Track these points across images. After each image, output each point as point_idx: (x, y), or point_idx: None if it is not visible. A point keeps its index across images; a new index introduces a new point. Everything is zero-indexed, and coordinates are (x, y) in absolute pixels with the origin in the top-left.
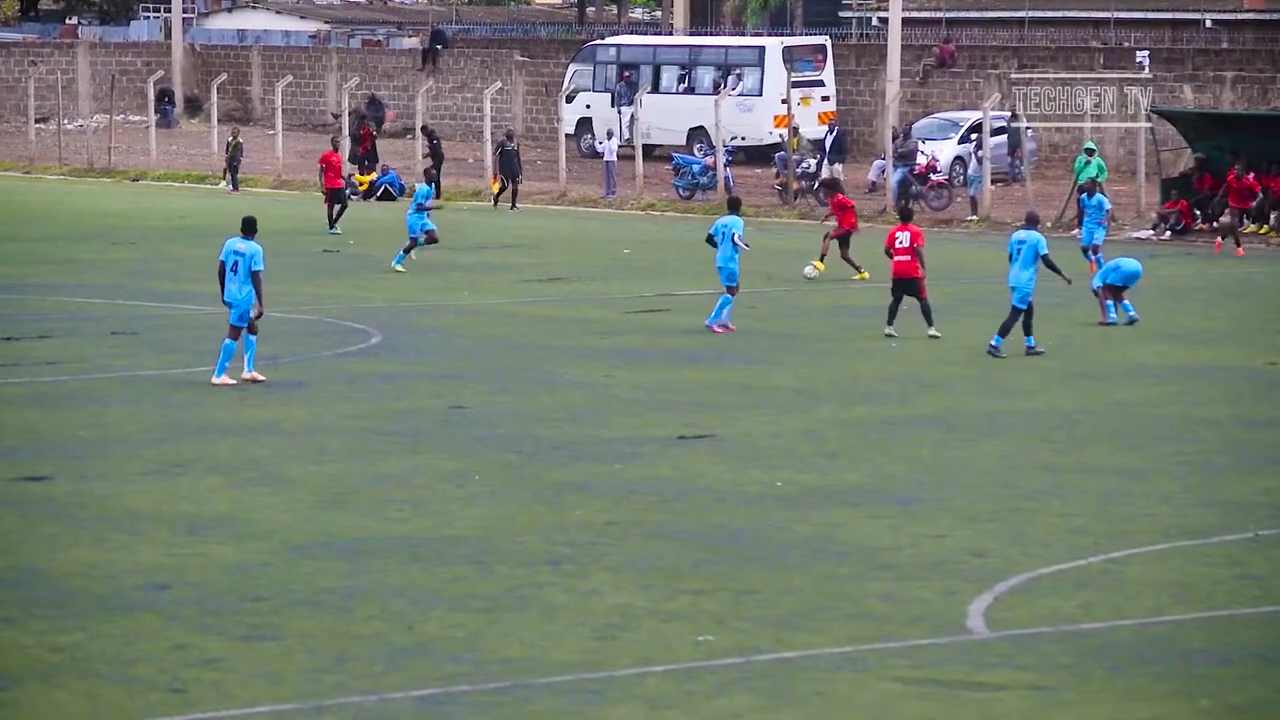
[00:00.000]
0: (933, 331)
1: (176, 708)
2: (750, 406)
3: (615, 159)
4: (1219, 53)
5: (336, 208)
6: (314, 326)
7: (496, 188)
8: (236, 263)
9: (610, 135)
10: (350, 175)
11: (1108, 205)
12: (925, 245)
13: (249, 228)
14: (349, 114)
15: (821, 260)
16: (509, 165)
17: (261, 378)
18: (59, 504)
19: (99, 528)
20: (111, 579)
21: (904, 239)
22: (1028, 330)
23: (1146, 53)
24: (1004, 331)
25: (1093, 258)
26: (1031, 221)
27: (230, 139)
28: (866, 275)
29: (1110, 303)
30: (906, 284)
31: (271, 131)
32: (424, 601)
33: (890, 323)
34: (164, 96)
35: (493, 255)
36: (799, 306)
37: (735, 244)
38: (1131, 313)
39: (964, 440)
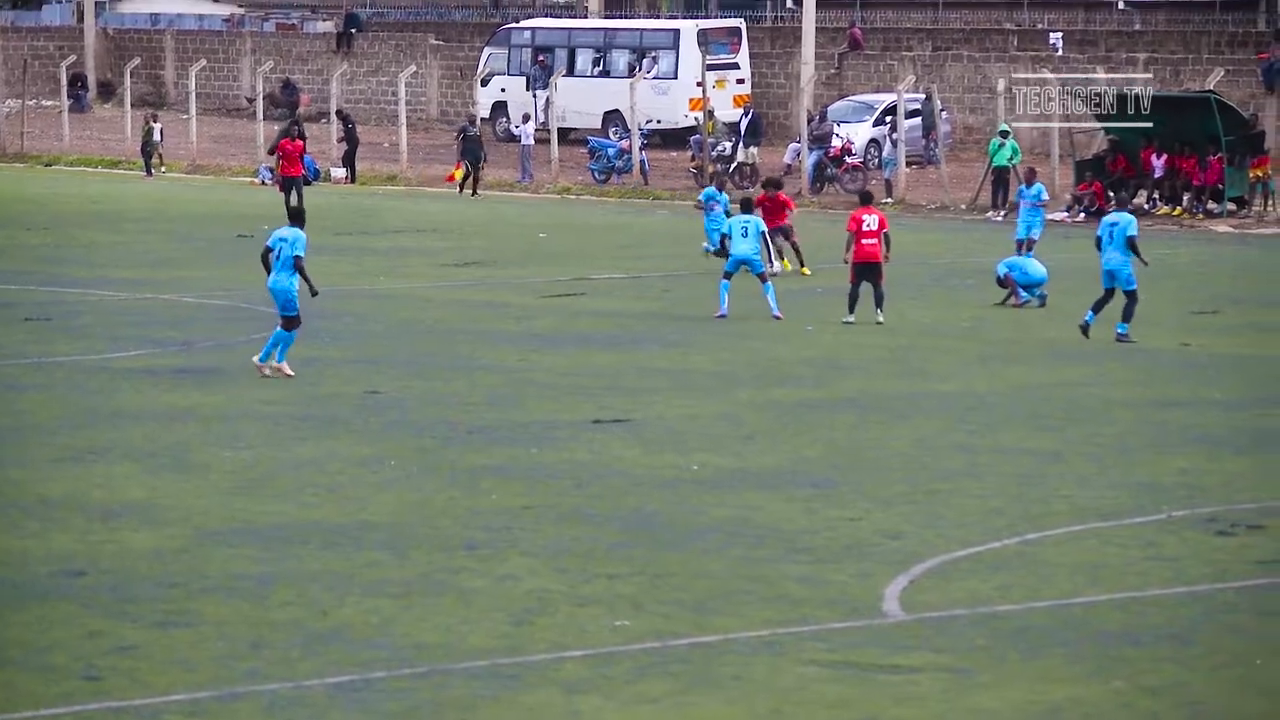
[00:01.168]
0: (880, 318)
1: (91, 695)
2: (667, 390)
3: (532, 143)
4: (1131, 34)
5: (294, 196)
6: (230, 312)
7: (460, 174)
8: (280, 249)
9: (526, 119)
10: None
11: (1045, 196)
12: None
13: (296, 217)
14: (263, 98)
15: (788, 259)
16: (472, 151)
17: (290, 372)
18: None
19: (12, 514)
20: (25, 566)
21: (871, 222)
22: (1127, 317)
23: (1060, 34)
24: (1127, 317)
25: (1026, 254)
26: (1122, 204)
27: (145, 124)
28: (789, 267)
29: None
30: (870, 268)
31: (186, 116)
32: (339, 587)
33: (851, 310)
34: (77, 81)
35: (408, 239)
36: (715, 290)
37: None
38: (1041, 294)
39: (879, 423)
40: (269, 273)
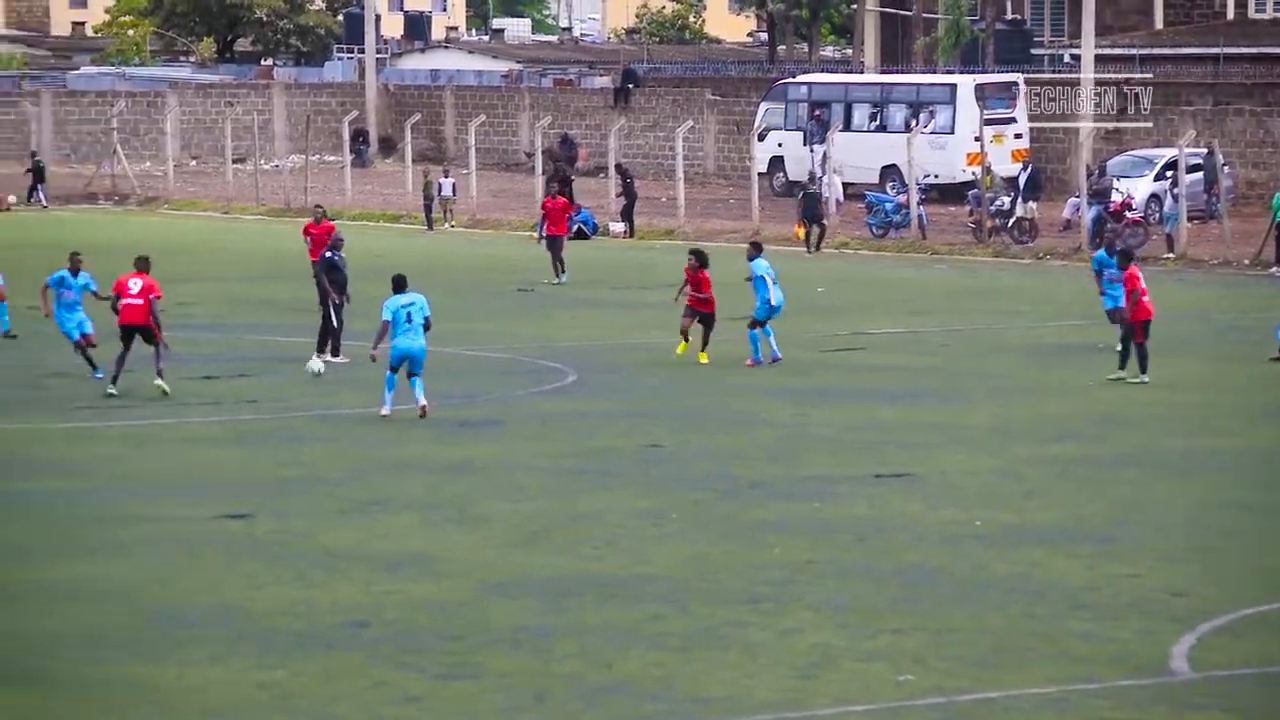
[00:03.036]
0: (1144, 378)
1: None
2: (946, 445)
3: (840, 195)
4: None
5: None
6: (509, 365)
7: (801, 232)
8: (410, 314)
9: (813, 176)
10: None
11: None
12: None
13: (402, 284)
14: (542, 152)
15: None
16: (811, 209)
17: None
18: (260, 542)
19: (298, 565)
20: (311, 616)
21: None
22: None
23: None
24: None
25: None
26: None
27: (425, 178)
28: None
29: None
30: (1142, 325)
31: (466, 171)
32: (621, 640)
33: (1122, 366)
34: (359, 136)
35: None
36: (994, 345)
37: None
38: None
39: (1160, 479)
40: (380, 340)
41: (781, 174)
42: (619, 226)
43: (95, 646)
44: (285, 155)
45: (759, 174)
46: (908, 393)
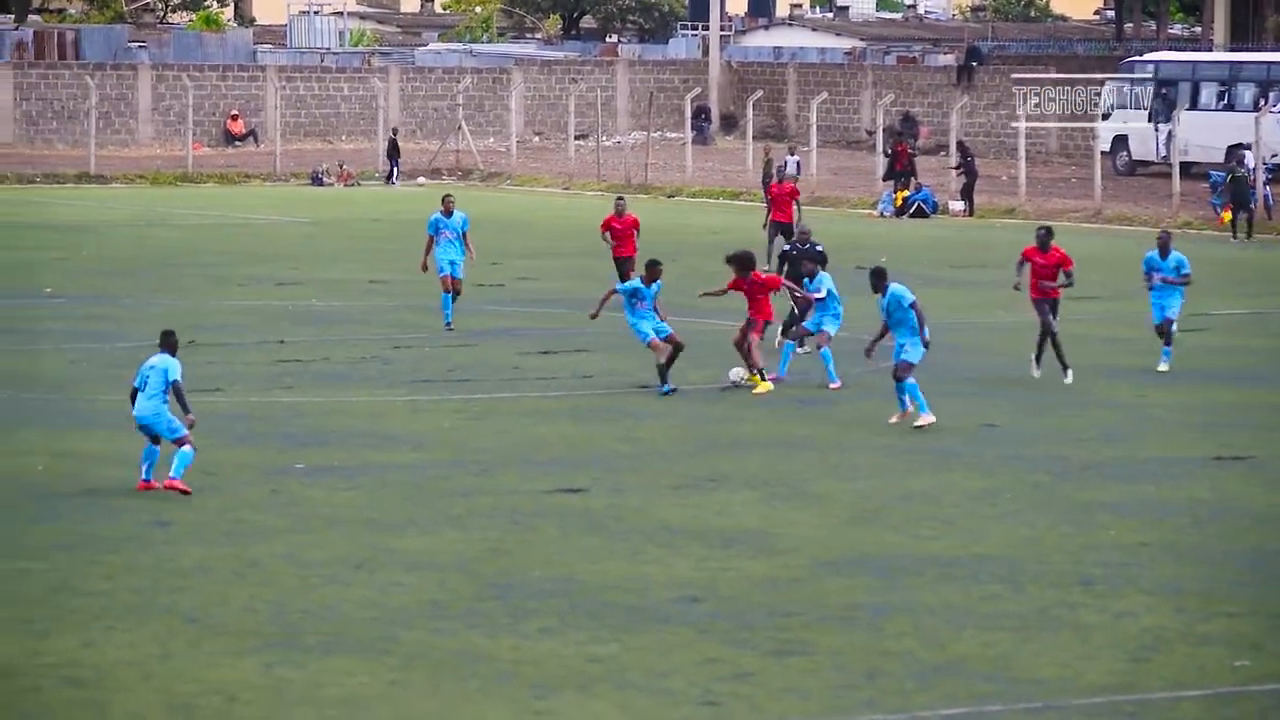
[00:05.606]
0: None
1: None
2: None
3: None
4: None
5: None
6: (845, 343)
7: (1228, 217)
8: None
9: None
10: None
11: None
12: None
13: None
14: (883, 130)
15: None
16: (1240, 193)
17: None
18: (595, 516)
19: (634, 540)
20: (645, 591)
21: None
22: None
23: None
24: None
25: None
26: None
27: (765, 155)
28: (765, 386)
29: None
30: None
31: (807, 148)
32: (955, 620)
33: None
34: (700, 113)
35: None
36: None
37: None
38: None
39: None
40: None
41: (1125, 153)
42: (959, 205)
43: (436, 616)
44: (627, 132)
45: (1102, 153)
46: (1249, 375)
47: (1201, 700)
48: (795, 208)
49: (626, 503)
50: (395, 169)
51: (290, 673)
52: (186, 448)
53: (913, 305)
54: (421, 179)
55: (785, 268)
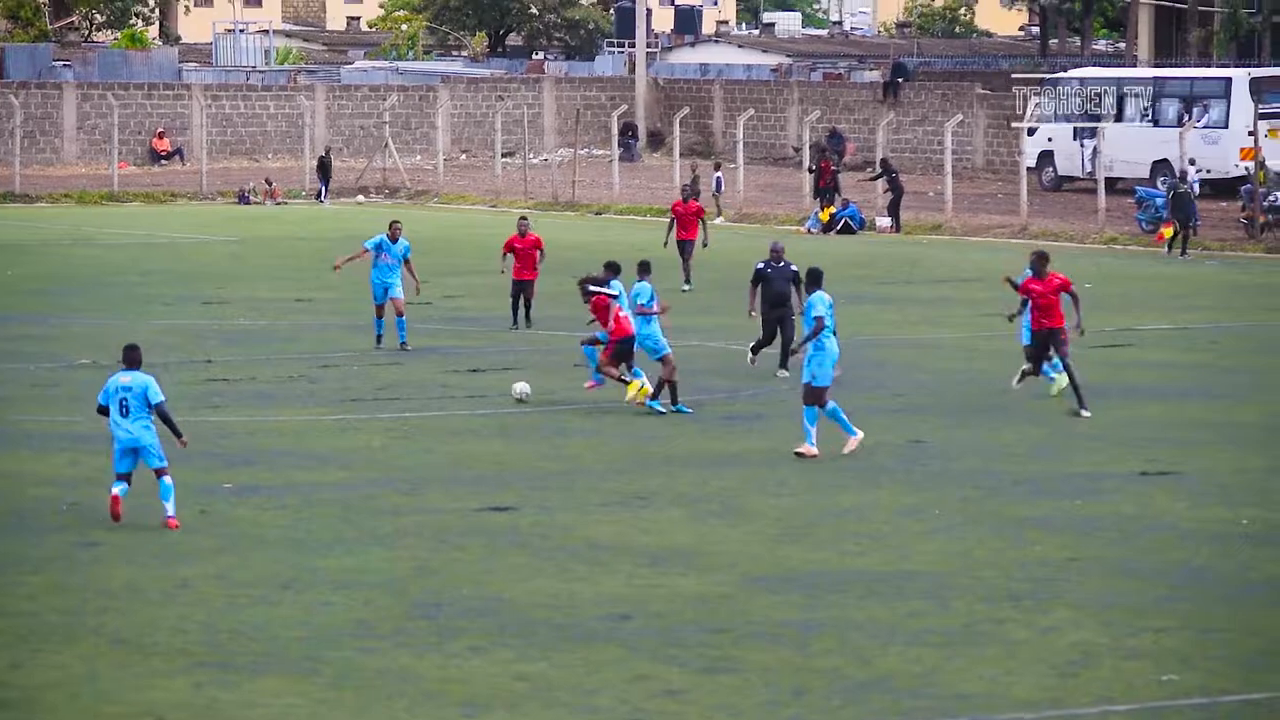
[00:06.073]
0: None
1: None
2: (1214, 443)
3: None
4: None
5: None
6: (774, 360)
7: (1169, 233)
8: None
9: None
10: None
11: None
12: None
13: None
14: (809, 147)
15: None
16: (1183, 209)
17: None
18: (523, 534)
19: (562, 558)
20: (574, 609)
21: None
22: None
23: None
24: None
25: None
26: None
27: (692, 172)
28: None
29: None
30: None
31: (733, 165)
32: (881, 636)
33: None
34: (627, 130)
35: (951, 289)
36: (1265, 342)
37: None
38: None
39: None
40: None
41: (1051, 169)
42: (885, 221)
43: (364, 636)
44: (554, 149)
45: (1028, 169)
46: (1176, 390)
47: (1129, 715)
48: (701, 226)
49: (555, 520)
50: (325, 188)
51: (220, 693)
52: (167, 479)
53: (817, 318)
54: (360, 196)
55: (760, 287)
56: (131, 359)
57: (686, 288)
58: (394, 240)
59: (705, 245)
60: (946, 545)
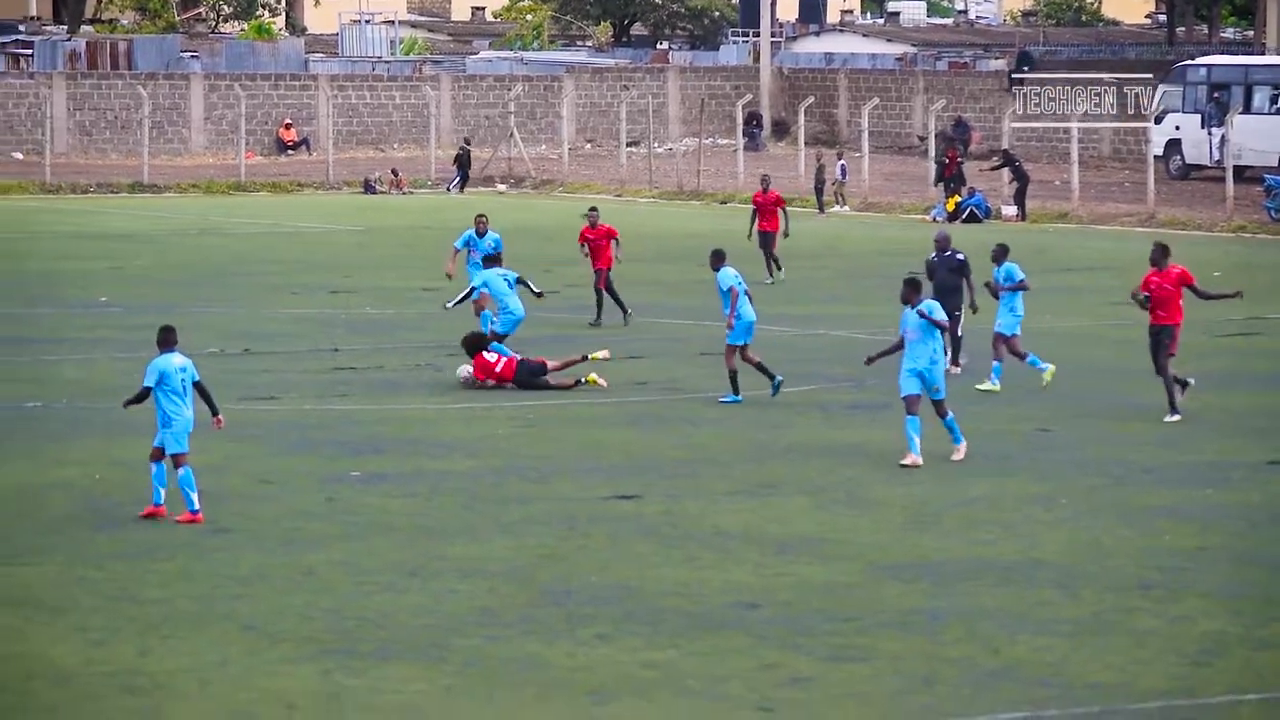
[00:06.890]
0: None
1: None
2: None
3: None
4: None
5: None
6: None
7: None
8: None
9: None
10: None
11: None
12: None
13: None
14: (934, 136)
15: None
16: None
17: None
18: (650, 522)
19: (689, 546)
20: (702, 597)
21: None
22: None
23: None
24: None
25: None
26: None
27: (817, 161)
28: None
29: None
30: None
31: (858, 154)
32: (1011, 625)
33: None
34: (752, 119)
35: (1078, 278)
36: None
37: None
38: None
39: None
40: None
41: (1179, 157)
42: (1011, 210)
43: (490, 624)
44: (679, 138)
45: (1155, 157)
46: None
47: (1260, 704)
48: (782, 216)
49: (682, 509)
50: (463, 179)
51: (348, 680)
52: (186, 468)
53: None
54: (501, 186)
55: (932, 276)
56: (169, 340)
57: (769, 280)
58: (481, 235)
59: (786, 235)
60: (1074, 534)
